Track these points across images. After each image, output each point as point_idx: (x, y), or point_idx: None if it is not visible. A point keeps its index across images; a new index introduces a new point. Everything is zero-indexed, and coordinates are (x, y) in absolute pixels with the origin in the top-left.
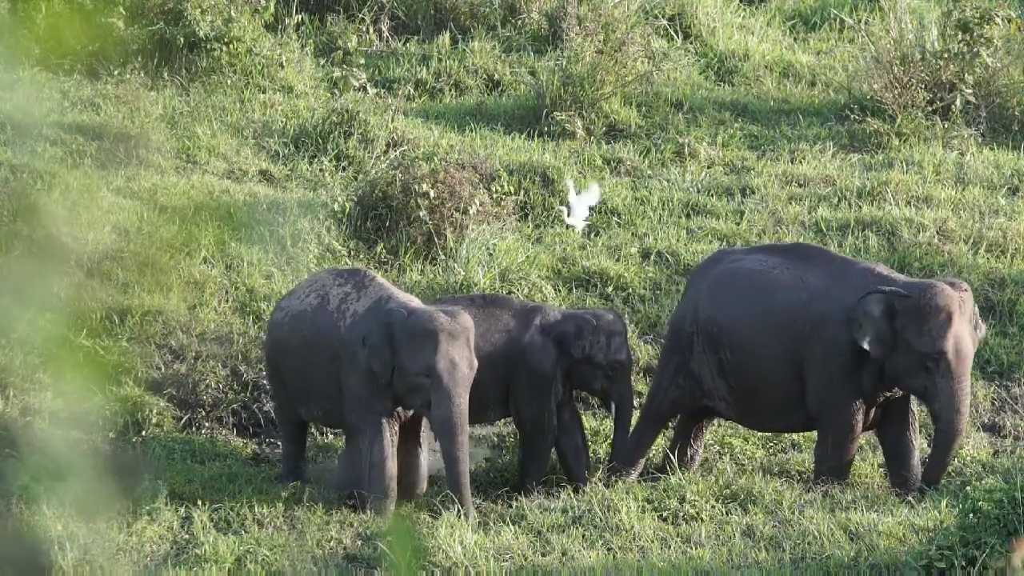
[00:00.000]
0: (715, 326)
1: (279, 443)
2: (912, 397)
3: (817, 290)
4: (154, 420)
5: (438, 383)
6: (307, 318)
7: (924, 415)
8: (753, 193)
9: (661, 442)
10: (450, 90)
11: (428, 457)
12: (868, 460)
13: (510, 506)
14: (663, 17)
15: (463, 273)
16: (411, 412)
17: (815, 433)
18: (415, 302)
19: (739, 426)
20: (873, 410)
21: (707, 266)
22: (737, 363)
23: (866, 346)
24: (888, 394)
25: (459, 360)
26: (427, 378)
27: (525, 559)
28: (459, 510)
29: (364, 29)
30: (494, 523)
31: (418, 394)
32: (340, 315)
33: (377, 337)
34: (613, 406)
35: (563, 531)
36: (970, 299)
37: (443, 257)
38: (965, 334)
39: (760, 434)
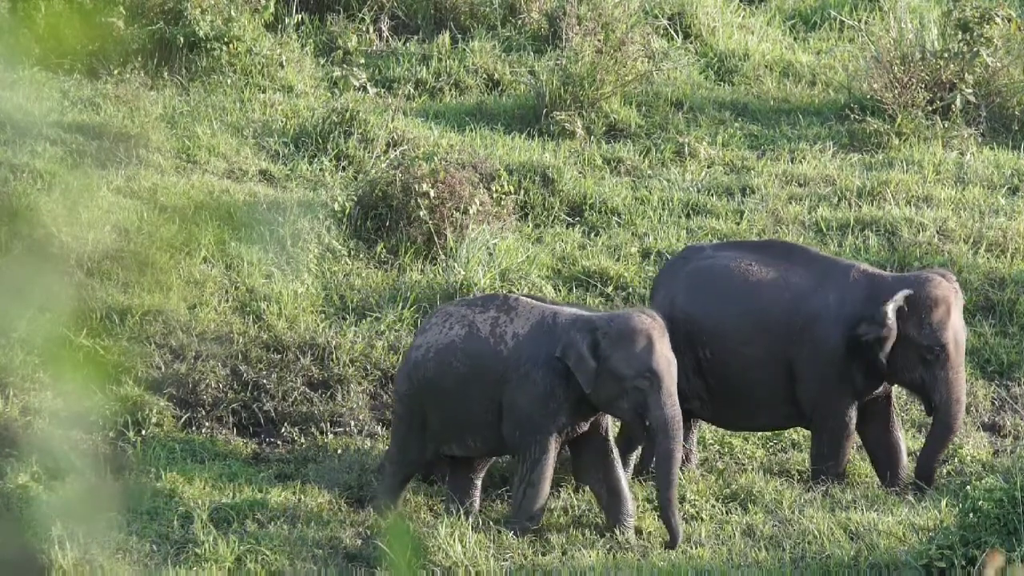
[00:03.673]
0: (693, 324)
1: (279, 443)
2: (893, 395)
3: (802, 289)
4: (154, 420)
5: (659, 383)
6: (457, 350)
7: (919, 415)
8: (753, 193)
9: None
10: (450, 90)
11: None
12: (868, 459)
13: (510, 505)
14: (663, 17)
15: (463, 273)
16: (585, 427)
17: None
18: (584, 309)
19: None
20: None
21: (678, 263)
22: (717, 362)
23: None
24: (878, 391)
25: (672, 357)
26: (646, 380)
27: (525, 558)
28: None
29: (364, 29)
30: (494, 522)
31: (628, 398)
32: (498, 340)
33: (580, 348)
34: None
35: (563, 530)
36: (959, 289)
37: (443, 257)
38: (961, 324)
39: (760, 434)
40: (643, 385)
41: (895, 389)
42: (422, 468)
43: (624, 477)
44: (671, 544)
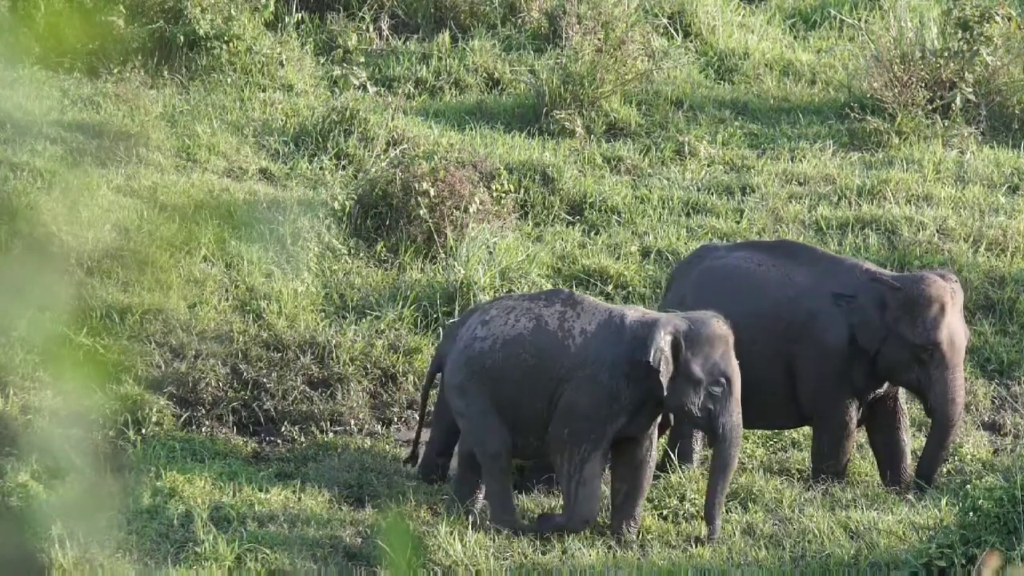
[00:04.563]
0: None
1: (279, 442)
2: (900, 395)
3: (805, 288)
4: (154, 418)
5: (732, 390)
6: (525, 342)
7: (919, 413)
8: (753, 192)
9: (662, 441)
10: (450, 89)
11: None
12: (868, 458)
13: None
14: (663, 15)
15: (463, 272)
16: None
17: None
18: (646, 312)
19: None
20: (860, 408)
21: (691, 262)
22: None
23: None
24: (878, 391)
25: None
26: (721, 386)
27: (525, 557)
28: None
29: (364, 28)
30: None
31: (702, 403)
32: (566, 335)
33: (666, 351)
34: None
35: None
36: (960, 289)
37: (443, 256)
38: (958, 324)
39: (760, 433)
40: (717, 391)
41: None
42: (512, 455)
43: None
44: (708, 538)
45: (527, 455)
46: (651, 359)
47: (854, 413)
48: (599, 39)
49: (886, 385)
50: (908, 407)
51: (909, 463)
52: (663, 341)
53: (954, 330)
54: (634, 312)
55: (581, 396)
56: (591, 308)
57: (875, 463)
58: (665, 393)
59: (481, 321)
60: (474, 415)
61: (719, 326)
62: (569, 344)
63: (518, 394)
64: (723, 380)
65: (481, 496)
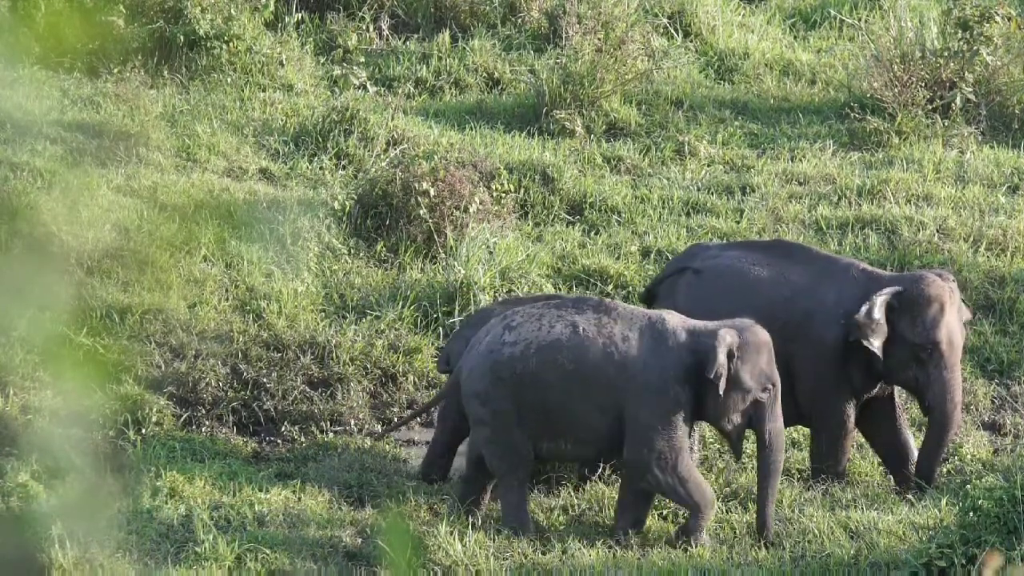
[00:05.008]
0: None
1: (279, 442)
2: (897, 393)
3: (801, 288)
4: (154, 418)
5: (776, 396)
6: (563, 347)
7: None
8: (753, 191)
9: None
10: (450, 88)
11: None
12: (868, 458)
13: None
14: (663, 15)
15: (463, 271)
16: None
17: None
18: (683, 317)
19: None
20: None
21: (682, 262)
22: None
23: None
24: (875, 390)
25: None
26: (768, 392)
27: (525, 557)
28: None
29: (364, 27)
30: (494, 521)
31: (748, 410)
32: (608, 342)
33: (724, 361)
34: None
35: (563, 529)
36: (957, 289)
37: (443, 255)
38: (956, 324)
39: None
40: (764, 398)
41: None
42: (531, 466)
43: None
44: (758, 535)
45: (555, 458)
46: (713, 374)
47: (853, 412)
48: (599, 39)
49: (882, 384)
50: (908, 407)
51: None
52: (723, 355)
53: (953, 329)
54: (672, 317)
55: (646, 409)
56: (627, 314)
57: (874, 463)
58: (720, 401)
59: (506, 327)
60: (496, 424)
61: (763, 333)
62: (612, 351)
63: (554, 399)
64: (770, 386)
65: (486, 499)
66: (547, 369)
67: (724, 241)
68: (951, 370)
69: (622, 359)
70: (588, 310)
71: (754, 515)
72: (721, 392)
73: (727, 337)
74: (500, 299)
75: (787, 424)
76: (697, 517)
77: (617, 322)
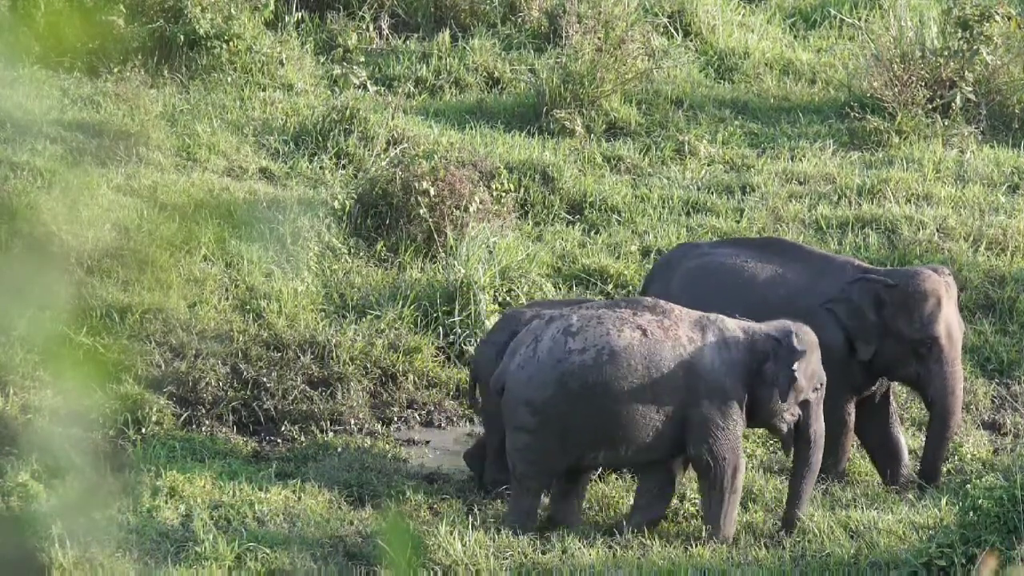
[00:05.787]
0: None
1: (279, 441)
2: (891, 393)
3: (798, 286)
4: (154, 418)
5: (821, 396)
6: (636, 353)
7: (919, 413)
8: (753, 191)
9: None
10: (450, 88)
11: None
12: (868, 458)
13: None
14: (663, 15)
15: (463, 271)
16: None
17: None
18: (738, 318)
19: None
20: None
21: (673, 260)
22: None
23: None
24: (874, 387)
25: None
26: (816, 392)
27: (525, 557)
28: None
29: (364, 27)
30: (494, 521)
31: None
32: (676, 344)
33: (789, 364)
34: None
35: (563, 529)
36: (954, 283)
37: (443, 255)
38: (954, 318)
39: (760, 432)
40: (812, 398)
41: (895, 386)
42: (552, 480)
43: None
44: (784, 529)
45: (610, 466)
46: (788, 376)
47: (852, 410)
48: (599, 38)
49: (880, 382)
50: (909, 405)
51: (908, 458)
52: (783, 354)
53: (951, 323)
54: (724, 317)
55: (712, 410)
56: (684, 315)
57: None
58: (778, 402)
59: (567, 334)
60: (541, 433)
61: (812, 334)
62: (681, 352)
63: (621, 406)
64: (819, 386)
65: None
66: (619, 376)
67: (711, 240)
68: (951, 364)
69: (691, 361)
70: (646, 311)
71: (753, 515)
72: (784, 394)
73: (780, 338)
74: (527, 302)
75: None
76: (713, 536)
77: (679, 324)
